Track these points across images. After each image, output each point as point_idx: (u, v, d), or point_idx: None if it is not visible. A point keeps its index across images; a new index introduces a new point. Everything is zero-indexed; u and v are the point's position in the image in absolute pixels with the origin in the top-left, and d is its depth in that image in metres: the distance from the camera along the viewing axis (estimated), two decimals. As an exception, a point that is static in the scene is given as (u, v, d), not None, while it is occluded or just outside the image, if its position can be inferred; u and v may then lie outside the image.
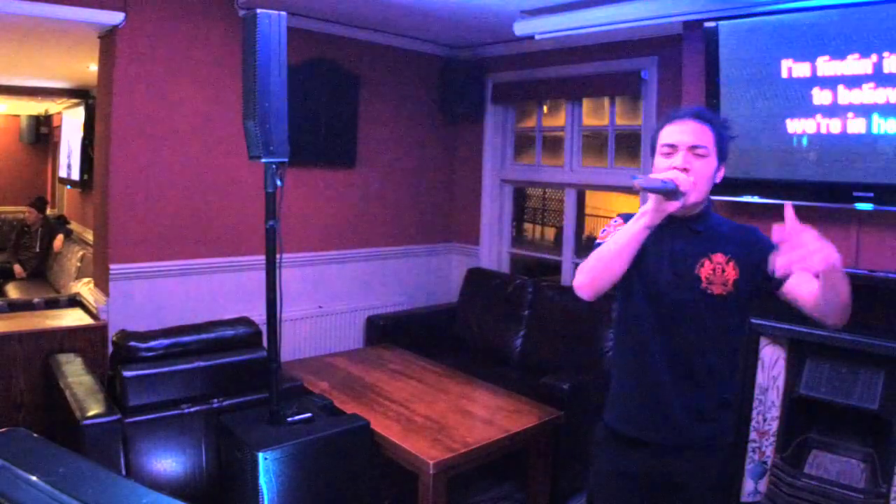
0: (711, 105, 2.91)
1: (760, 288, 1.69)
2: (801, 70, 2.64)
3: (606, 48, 3.85)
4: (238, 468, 2.36)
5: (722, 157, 1.71)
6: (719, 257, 1.68)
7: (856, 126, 2.52)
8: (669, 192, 1.58)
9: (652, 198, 1.61)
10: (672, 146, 1.68)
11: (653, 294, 1.73)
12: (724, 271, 1.67)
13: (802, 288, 1.61)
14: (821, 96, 2.60)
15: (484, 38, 4.42)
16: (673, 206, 1.60)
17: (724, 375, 1.75)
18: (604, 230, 1.82)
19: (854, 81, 2.51)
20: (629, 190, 3.97)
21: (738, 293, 1.69)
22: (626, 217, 1.77)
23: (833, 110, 2.57)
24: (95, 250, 3.79)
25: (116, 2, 3.21)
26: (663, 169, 1.67)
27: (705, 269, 1.68)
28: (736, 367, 1.81)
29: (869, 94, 2.47)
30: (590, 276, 1.70)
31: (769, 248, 1.58)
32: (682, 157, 1.65)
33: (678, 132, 1.68)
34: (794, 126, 2.68)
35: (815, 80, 2.61)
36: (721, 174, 1.72)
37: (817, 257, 1.35)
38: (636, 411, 1.78)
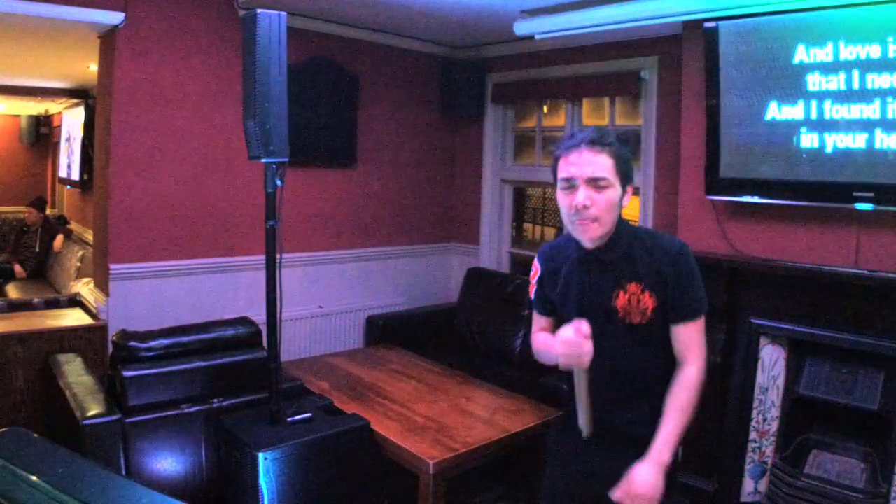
0: (711, 105, 2.92)
1: None
2: (803, 69, 2.64)
3: (606, 48, 3.85)
4: (238, 468, 2.36)
5: (625, 181, 1.62)
6: (633, 287, 1.63)
7: (857, 126, 2.52)
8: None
9: (561, 355, 1.58)
10: (569, 181, 1.60)
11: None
12: (639, 301, 1.63)
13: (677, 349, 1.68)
14: (822, 95, 2.60)
15: (484, 38, 4.42)
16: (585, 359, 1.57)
17: (657, 388, 1.69)
18: (531, 281, 1.86)
19: (854, 80, 2.51)
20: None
21: (658, 319, 1.65)
22: (545, 254, 1.80)
23: (834, 109, 2.57)
24: (95, 250, 3.78)
25: (116, 2, 3.21)
26: (566, 206, 1.61)
27: (621, 300, 1.64)
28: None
29: (870, 94, 2.47)
30: (540, 360, 1.79)
31: (681, 285, 1.62)
32: (583, 192, 1.57)
33: (574, 165, 1.59)
34: (794, 125, 2.68)
35: (817, 79, 2.61)
36: (628, 197, 1.65)
37: None
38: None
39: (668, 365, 1.69)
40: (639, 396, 1.71)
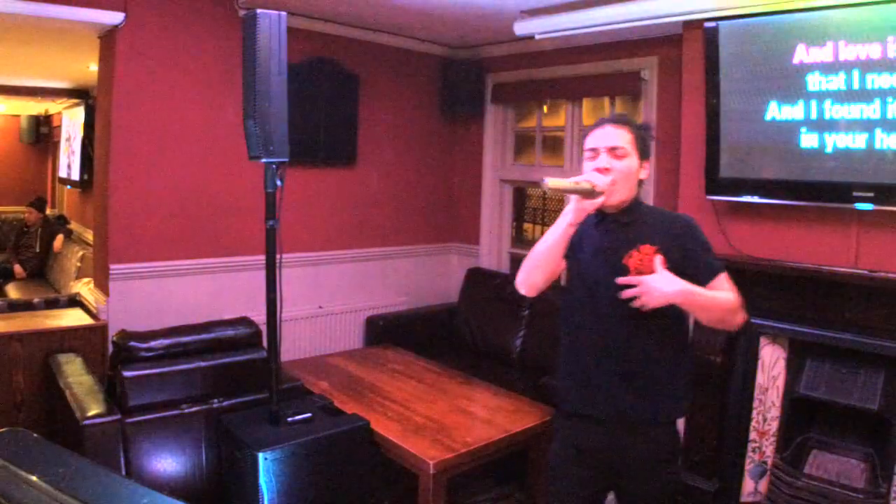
0: (711, 105, 2.92)
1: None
2: (803, 69, 2.64)
3: (606, 48, 3.85)
4: (238, 468, 2.36)
5: (643, 155, 1.85)
6: (647, 248, 1.77)
7: (857, 126, 2.52)
8: (586, 192, 1.73)
9: (573, 198, 1.76)
10: (593, 150, 1.84)
11: (590, 286, 1.86)
12: (651, 261, 1.77)
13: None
14: (822, 95, 2.60)
15: (484, 38, 4.42)
16: (593, 205, 1.75)
17: (662, 358, 1.83)
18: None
19: (854, 80, 2.51)
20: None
21: None
22: None
23: (835, 109, 2.57)
24: (95, 250, 3.79)
25: (116, 2, 3.21)
26: (588, 171, 1.82)
27: (633, 260, 1.77)
28: (681, 348, 1.90)
29: (870, 94, 2.47)
30: (525, 273, 1.91)
31: (696, 249, 1.81)
32: (604, 158, 1.81)
33: (598, 136, 1.84)
34: (794, 126, 2.68)
35: (817, 79, 2.61)
36: (646, 172, 1.87)
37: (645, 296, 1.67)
38: (580, 390, 1.90)
39: (672, 335, 1.85)
40: (641, 365, 1.81)
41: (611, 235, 1.84)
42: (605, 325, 1.83)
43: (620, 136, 1.82)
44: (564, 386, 1.97)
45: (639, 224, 1.84)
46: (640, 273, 1.73)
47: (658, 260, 1.72)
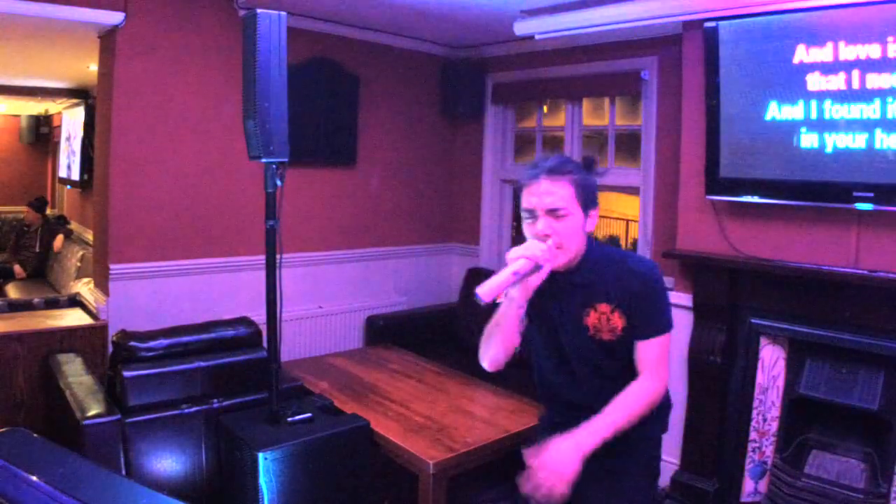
0: (711, 105, 2.92)
1: None
2: (803, 69, 2.64)
3: (606, 48, 3.85)
4: (238, 468, 2.36)
5: (588, 205, 1.68)
6: (604, 307, 1.69)
7: (857, 126, 2.52)
8: (529, 272, 1.59)
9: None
10: (530, 212, 1.66)
11: (555, 345, 1.79)
12: (609, 320, 1.69)
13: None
14: (822, 95, 2.60)
15: (484, 38, 4.42)
16: (538, 279, 1.63)
17: None
18: None
19: (854, 80, 2.51)
20: (629, 190, 3.97)
21: (629, 337, 1.71)
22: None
23: (834, 109, 2.57)
24: (95, 250, 3.78)
25: (116, 2, 3.21)
26: (531, 236, 1.66)
27: (591, 319, 1.70)
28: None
29: (870, 94, 2.47)
30: (484, 352, 1.80)
31: (648, 308, 1.67)
32: (543, 222, 1.64)
33: (534, 196, 1.65)
34: (794, 125, 2.68)
35: (817, 79, 2.61)
36: (593, 220, 1.72)
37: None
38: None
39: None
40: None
41: (566, 297, 1.74)
42: (577, 382, 1.78)
43: (558, 194, 1.63)
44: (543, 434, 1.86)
45: (592, 281, 1.71)
46: (598, 331, 1.69)
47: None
